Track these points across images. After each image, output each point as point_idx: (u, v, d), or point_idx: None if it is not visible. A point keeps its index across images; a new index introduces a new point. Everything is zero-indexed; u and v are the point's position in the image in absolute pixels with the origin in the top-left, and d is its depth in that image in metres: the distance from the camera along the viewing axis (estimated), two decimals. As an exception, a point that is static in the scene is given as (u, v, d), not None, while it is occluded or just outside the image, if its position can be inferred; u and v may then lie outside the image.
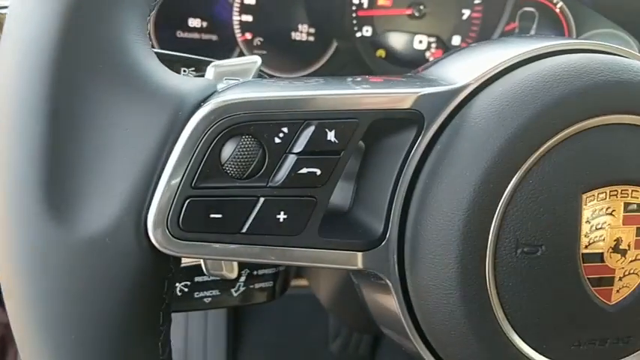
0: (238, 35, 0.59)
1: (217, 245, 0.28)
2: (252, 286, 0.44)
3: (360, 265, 0.30)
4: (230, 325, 0.95)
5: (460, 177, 0.29)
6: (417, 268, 0.30)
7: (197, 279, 0.41)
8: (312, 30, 0.61)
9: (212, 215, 0.27)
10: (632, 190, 0.30)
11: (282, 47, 0.61)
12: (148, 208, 0.27)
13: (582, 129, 0.29)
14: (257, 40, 0.60)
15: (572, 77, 0.29)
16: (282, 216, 0.28)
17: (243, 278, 0.43)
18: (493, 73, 0.31)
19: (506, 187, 0.28)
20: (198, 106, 0.27)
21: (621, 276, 0.30)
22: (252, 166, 0.27)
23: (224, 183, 0.27)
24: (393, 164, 0.31)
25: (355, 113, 0.28)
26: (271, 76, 0.61)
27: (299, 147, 0.27)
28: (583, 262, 0.30)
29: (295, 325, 0.99)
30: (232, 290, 0.43)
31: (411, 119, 0.30)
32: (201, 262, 0.38)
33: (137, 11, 0.27)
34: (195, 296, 0.42)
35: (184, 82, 0.28)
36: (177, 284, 0.41)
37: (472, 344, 0.30)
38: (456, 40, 0.64)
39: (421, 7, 0.62)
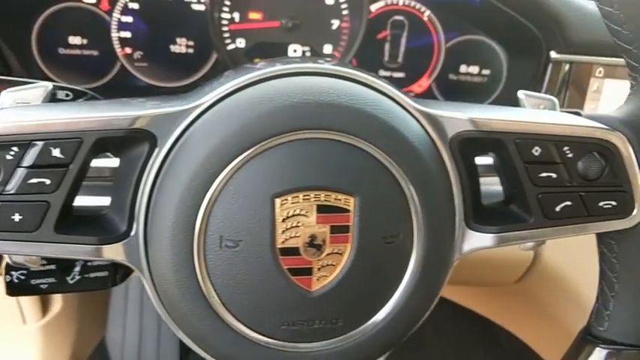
0: (118, 50, 0.65)
1: None
2: (87, 275, 0.50)
3: (104, 256, 0.36)
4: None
5: (173, 186, 0.35)
6: (153, 259, 0.36)
7: (33, 268, 0.48)
8: (190, 43, 0.67)
9: None
10: (325, 195, 0.35)
11: (162, 60, 0.67)
12: None
13: (276, 143, 0.34)
14: (137, 54, 0.66)
15: (267, 100, 0.35)
16: (17, 217, 0.34)
17: (78, 268, 0.50)
18: (220, 96, 0.36)
19: (206, 193, 0.34)
20: None
21: (319, 267, 0.36)
22: None
23: None
24: (134, 173, 0.36)
25: (78, 134, 0.34)
26: (155, 87, 0.67)
27: (28, 162, 0.34)
28: (281, 255, 0.35)
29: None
30: (68, 278, 0.49)
31: (138, 136, 0.35)
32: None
33: None
34: (32, 283, 0.48)
35: None
36: (13, 273, 0.48)
37: (196, 326, 0.36)
38: (328, 49, 0.69)
39: (291, 20, 0.67)
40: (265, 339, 0.37)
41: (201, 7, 0.66)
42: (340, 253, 0.36)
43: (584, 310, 0.45)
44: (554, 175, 0.39)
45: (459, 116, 0.39)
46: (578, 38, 0.62)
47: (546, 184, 0.39)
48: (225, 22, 0.67)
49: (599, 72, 0.68)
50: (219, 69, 0.68)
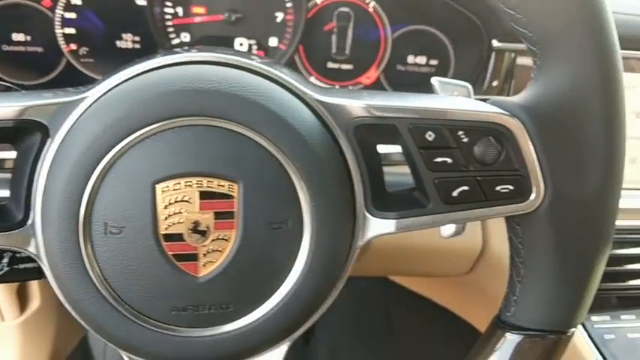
0: (63, 47, 0.66)
1: None
2: (16, 267, 0.51)
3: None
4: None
5: (60, 174, 0.35)
6: (45, 247, 0.37)
7: (-42, 260, 0.49)
8: (137, 38, 0.68)
9: None
10: (207, 181, 0.36)
11: (109, 55, 0.68)
12: None
13: (156, 130, 0.35)
14: (83, 50, 0.67)
15: (147, 89, 0.35)
16: None
17: (6, 260, 0.51)
18: (109, 87, 0.37)
19: (89, 180, 0.35)
20: None
21: (205, 252, 0.36)
22: None
23: None
24: (28, 164, 0.37)
25: None
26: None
27: None
28: (165, 241, 0.36)
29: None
30: (-4, 270, 0.51)
31: (29, 127, 0.36)
32: None
33: None
34: (-41, 274, 0.49)
35: None
36: (-60, 265, 0.49)
37: (89, 312, 0.37)
38: (273, 42, 0.70)
39: (234, 14, 0.68)
40: (157, 324, 0.37)
41: (145, 3, 0.66)
42: (226, 239, 0.36)
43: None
44: (449, 160, 0.39)
45: (354, 103, 0.39)
46: (514, 26, 0.61)
47: (442, 169, 0.39)
48: (168, 16, 0.67)
49: (545, 60, 0.67)
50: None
